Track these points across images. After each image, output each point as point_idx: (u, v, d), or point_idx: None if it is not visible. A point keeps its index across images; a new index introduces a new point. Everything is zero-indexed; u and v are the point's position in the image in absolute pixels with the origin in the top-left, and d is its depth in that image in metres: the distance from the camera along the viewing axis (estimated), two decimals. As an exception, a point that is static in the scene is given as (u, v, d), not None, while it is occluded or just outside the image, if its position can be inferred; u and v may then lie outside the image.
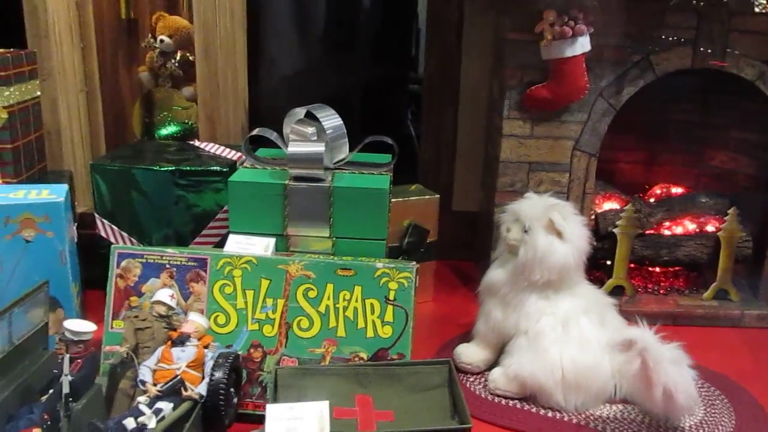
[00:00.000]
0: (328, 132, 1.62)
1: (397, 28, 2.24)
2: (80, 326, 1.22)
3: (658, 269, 2.12)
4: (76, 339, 1.20)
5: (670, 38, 1.82)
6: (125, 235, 1.78)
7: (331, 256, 1.55)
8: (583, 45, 1.78)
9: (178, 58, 2.19)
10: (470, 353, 1.71)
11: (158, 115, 2.28)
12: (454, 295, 2.14)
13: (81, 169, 2.10)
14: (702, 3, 1.76)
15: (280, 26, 2.25)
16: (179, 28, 2.18)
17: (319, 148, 1.58)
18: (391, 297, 1.50)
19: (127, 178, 1.74)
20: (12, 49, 1.80)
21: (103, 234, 1.77)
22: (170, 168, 1.72)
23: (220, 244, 1.76)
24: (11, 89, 1.71)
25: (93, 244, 1.79)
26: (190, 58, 2.18)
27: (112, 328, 1.51)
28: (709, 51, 1.82)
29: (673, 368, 1.38)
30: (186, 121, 2.23)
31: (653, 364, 1.37)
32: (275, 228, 1.58)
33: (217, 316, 1.50)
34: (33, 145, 1.83)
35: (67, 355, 1.16)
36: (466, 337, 1.80)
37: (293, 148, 1.58)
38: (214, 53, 1.95)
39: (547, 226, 1.57)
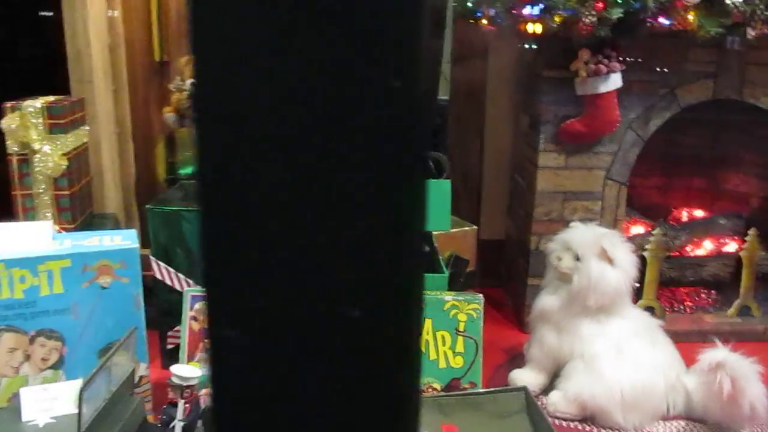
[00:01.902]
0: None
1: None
2: (188, 371, 1.25)
3: (682, 289, 2.23)
4: (184, 384, 1.23)
5: (693, 72, 1.95)
6: (181, 276, 1.80)
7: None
8: (615, 81, 1.88)
9: None
10: (526, 378, 1.78)
11: (181, 154, 2.31)
12: (488, 322, 2.19)
13: (119, 211, 2.12)
14: (721, 40, 1.89)
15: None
16: None
17: None
18: (461, 328, 1.57)
19: (183, 221, 1.77)
20: (63, 96, 1.83)
21: (158, 276, 1.79)
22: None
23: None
24: (68, 136, 1.73)
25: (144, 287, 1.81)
26: None
27: (187, 370, 1.53)
28: (728, 83, 1.95)
29: (755, 384, 1.48)
30: None
31: (740, 383, 1.46)
32: None
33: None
34: (84, 190, 1.85)
35: (182, 401, 1.19)
36: (514, 362, 1.87)
37: None
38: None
39: (600, 254, 1.66)
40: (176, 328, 1.84)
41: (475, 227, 2.08)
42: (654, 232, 2.06)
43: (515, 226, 2.25)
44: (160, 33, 2.19)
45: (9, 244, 1.47)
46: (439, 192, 1.63)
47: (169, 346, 1.85)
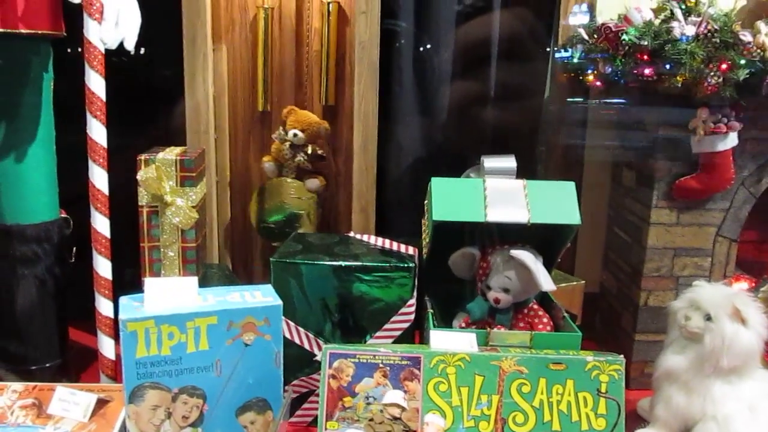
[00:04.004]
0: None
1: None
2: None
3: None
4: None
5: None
6: (301, 330, 1.78)
7: (542, 351, 1.60)
8: (732, 140, 1.89)
9: (309, 151, 2.24)
10: (653, 438, 1.76)
11: (270, 201, 2.31)
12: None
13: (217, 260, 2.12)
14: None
15: (407, 109, 2.31)
16: (311, 123, 2.23)
17: (511, 163, 1.68)
18: (603, 390, 1.55)
19: (304, 273, 1.76)
20: (186, 147, 1.84)
21: (287, 335, 1.76)
22: (356, 264, 1.75)
23: (401, 339, 1.79)
24: (197, 188, 1.73)
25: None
26: (319, 151, 2.23)
27: (326, 429, 1.51)
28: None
29: None
30: (298, 210, 2.27)
31: None
32: (477, 215, 1.64)
33: (434, 414, 1.52)
34: (204, 242, 1.85)
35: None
36: (632, 421, 1.84)
37: (489, 163, 1.68)
38: (372, 147, 2.01)
39: (732, 314, 1.65)
40: (293, 382, 1.82)
41: (582, 281, 2.07)
42: (762, 288, 2.05)
43: (616, 279, 2.24)
44: (264, 83, 2.21)
45: (158, 299, 1.46)
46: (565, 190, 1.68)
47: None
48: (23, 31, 1.64)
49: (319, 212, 2.32)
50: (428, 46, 2.29)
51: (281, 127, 2.23)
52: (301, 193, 2.28)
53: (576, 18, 2.24)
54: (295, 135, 2.20)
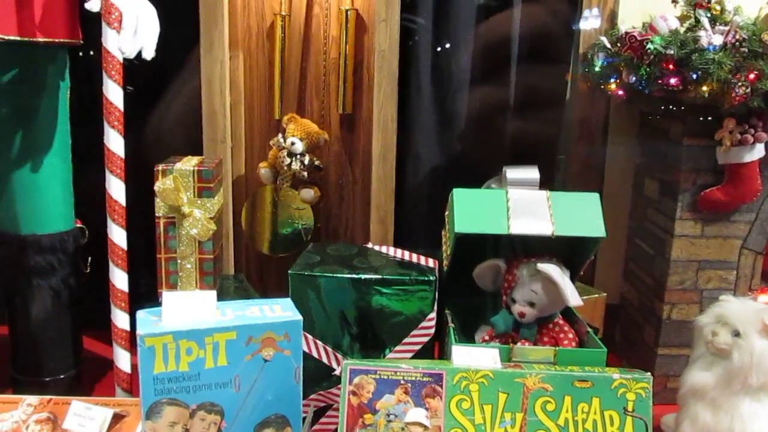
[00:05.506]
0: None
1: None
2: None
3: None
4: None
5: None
6: (319, 343, 1.76)
7: (567, 367, 1.56)
8: (759, 151, 1.86)
9: (306, 161, 2.19)
10: (679, 457, 1.72)
11: (283, 213, 2.27)
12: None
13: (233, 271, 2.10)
14: None
15: (425, 118, 2.28)
16: (311, 132, 2.18)
17: (534, 174, 1.65)
18: (630, 408, 1.51)
19: (323, 286, 1.73)
20: (203, 157, 1.82)
21: (305, 349, 1.73)
22: (375, 276, 1.72)
23: (421, 353, 1.76)
24: (214, 199, 1.71)
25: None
26: (316, 162, 2.19)
27: (346, 446, 1.48)
28: None
29: None
30: (297, 222, 2.24)
31: None
32: (500, 227, 1.61)
33: (456, 432, 1.49)
34: (220, 253, 1.82)
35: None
36: (657, 438, 1.81)
37: (511, 174, 1.65)
38: (391, 156, 1.98)
39: (762, 330, 1.61)
40: (311, 396, 1.79)
41: (604, 294, 2.03)
42: (789, 303, 2.01)
43: (637, 292, 2.20)
44: (281, 91, 2.19)
45: (176, 314, 1.43)
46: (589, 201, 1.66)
47: (303, 414, 1.80)
48: (41, 39, 1.62)
49: (313, 224, 2.27)
50: (447, 53, 2.26)
51: (280, 134, 2.18)
52: (295, 203, 2.23)
53: (595, 22, 2.20)
54: (293, 143, 2.15)
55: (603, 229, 1.63)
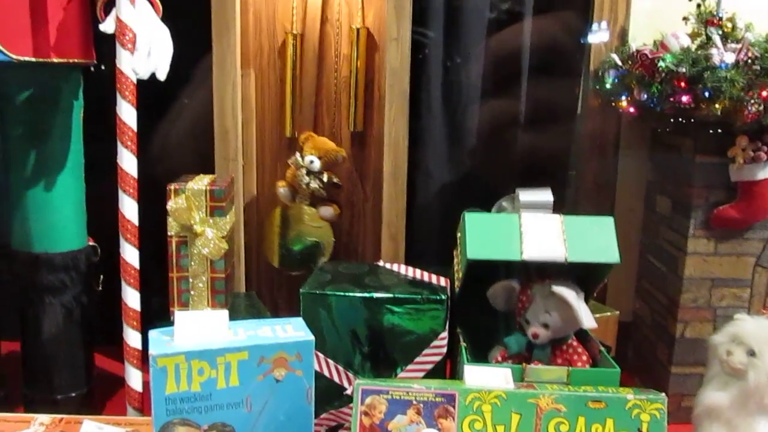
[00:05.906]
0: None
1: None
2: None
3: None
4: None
5: None
6: (330, 362, 1.75)
7: (581, 388, 1.55)
8: (773, 168, 1.85)
9: (325, 178, 2.20)
10: (696, 478, 1.70)
11: (294, 230, 2.27)
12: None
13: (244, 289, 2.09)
14: None
15: (436, 135, 2.28)
16: (328, 150, 2.18)
17: (548, 196, 1.64)
18: (645, 429, 1.50)
19: (334, 305, 1.72)
20: (214, 176, 1.82)
21: (316, 367, 1.73)
22: (386, 295, 1.72)
23: (432, 372, 1.75)
24: (226, 218, 1.71)
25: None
26: (335, 180, 2.20)
27: (358, 467, 1.47)
28: None
29: None
30: (314, 239, 2.24)
31: None
32: (512, 253, 1.60)
33: (469, 453, 1.48)
34: (232, 272, 1.83)
35: None
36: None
37: (524, 197, 1.65)
38: (402, 174, 1.99)
39: (777, 350, 1.59)
40: (322, 416, 1.78)
41: (616, 312, 2.02)
42: (803, 321, 1.99)
43: (650, 309, 2.19)
44: (292, 109, 2.19)
45: (188, 333, 1.43)
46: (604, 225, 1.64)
47: (315, 434, 1.79)
48: (55, 60, 1.64)
49: (332, 242, 2.27)
50: (457, 68, 2.26)
51: (298, 153, 2.19)
52: (314, 221, 2.24)
53: (605, 36, 2.20)
54: (311, 161, 2.16)
55: (617, 255, 1.61)
